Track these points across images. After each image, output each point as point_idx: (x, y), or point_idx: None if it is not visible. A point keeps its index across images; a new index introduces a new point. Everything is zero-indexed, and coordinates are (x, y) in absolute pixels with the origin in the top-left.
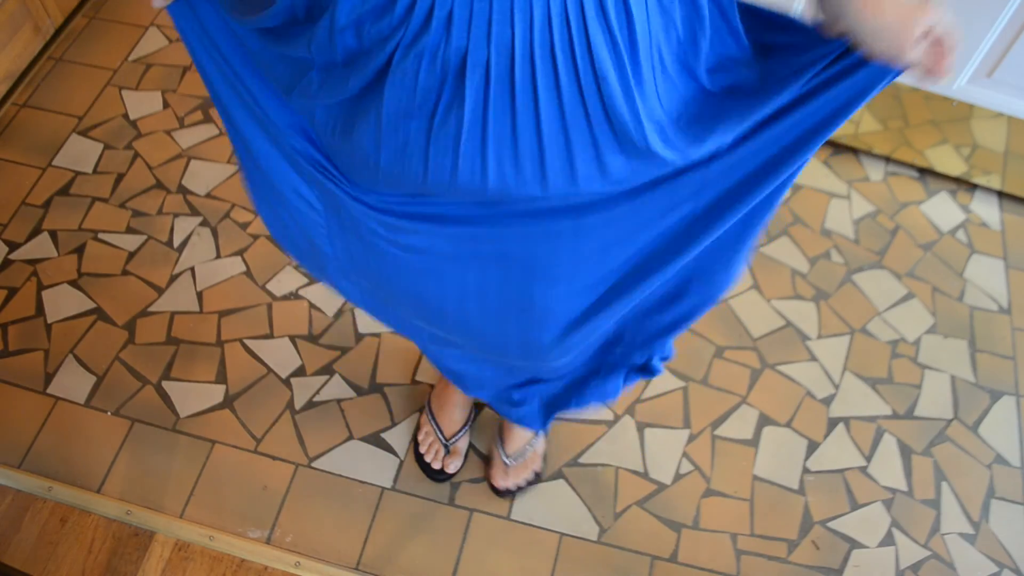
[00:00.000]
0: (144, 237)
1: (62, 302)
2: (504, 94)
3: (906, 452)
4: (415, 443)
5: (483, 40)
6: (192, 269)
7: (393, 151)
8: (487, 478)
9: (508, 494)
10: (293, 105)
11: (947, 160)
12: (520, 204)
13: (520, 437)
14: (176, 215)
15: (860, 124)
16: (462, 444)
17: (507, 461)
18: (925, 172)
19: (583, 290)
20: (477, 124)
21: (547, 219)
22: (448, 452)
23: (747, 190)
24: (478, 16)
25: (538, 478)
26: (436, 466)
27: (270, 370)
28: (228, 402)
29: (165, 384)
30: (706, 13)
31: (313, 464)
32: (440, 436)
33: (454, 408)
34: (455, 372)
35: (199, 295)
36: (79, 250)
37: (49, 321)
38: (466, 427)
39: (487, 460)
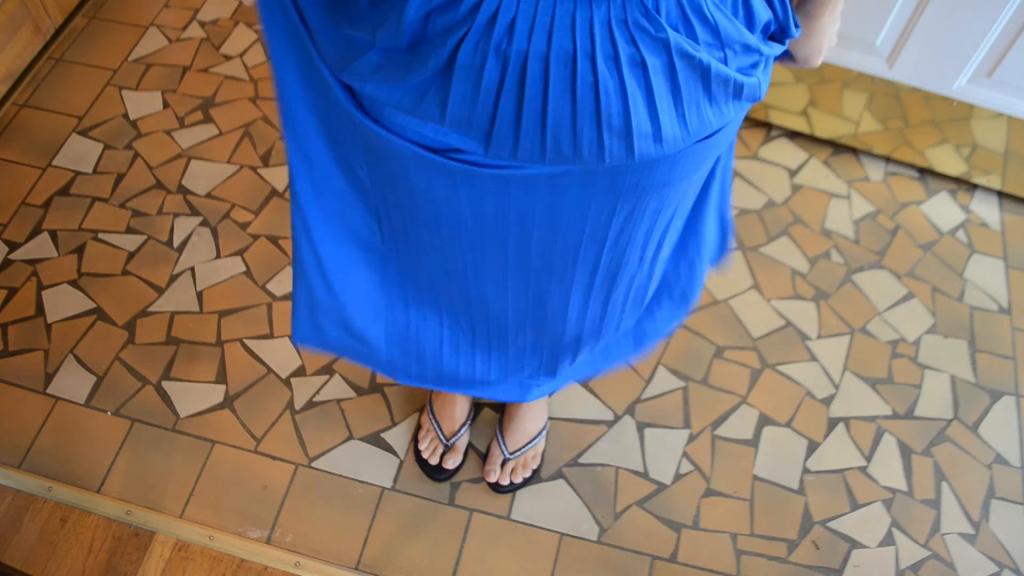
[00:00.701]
0: (144, 237)
1: (62, 302)
2: (566, 91)
3: (906, 452)
4: (415, 442)
5: (543, 44)
6: (192, 269)
7: (455, 127)
8: (484, 473)
9: (504, 490)
10: (344, 77)
11: (947, 160)
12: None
13: (521, 433)
14: (176, 215)
15: (860, 124)
16: (462, 443)
17: (507, 456)
18: (925, 172)
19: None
20: (537, 114)
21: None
22: (448, 451)
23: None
24: (540, 22)
25: (535, 475)
26: (434, 462)
27: (270, 370)
28: (228, 402)
29: (165, 384)
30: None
31: (313, 464)
32: (440, 435)
33: (454, 407)
34: (467, 379)
35: (199, 295)
36: (79, 250)
37: (49, 321)
38: (466, 426)
39: (487, 457)
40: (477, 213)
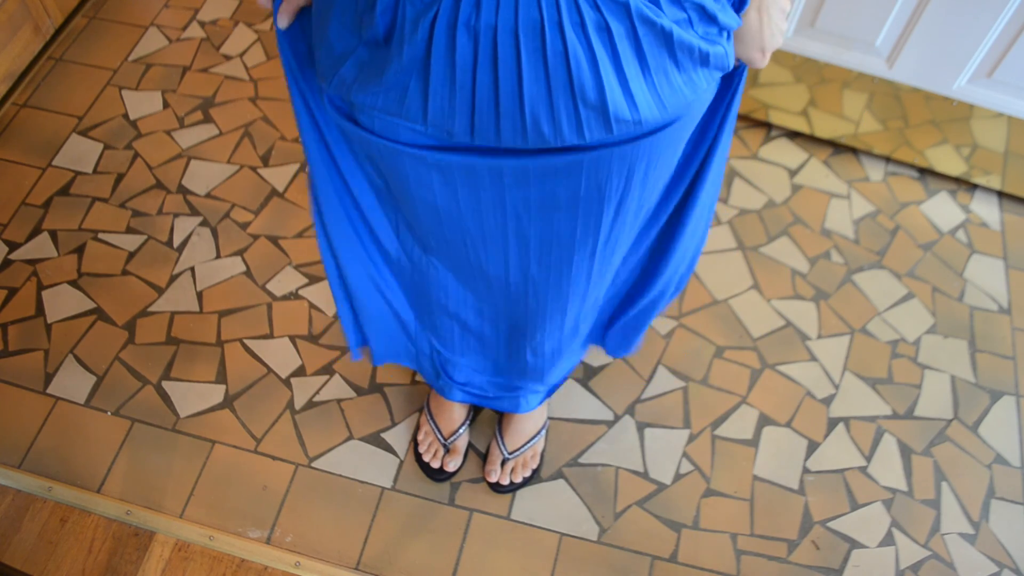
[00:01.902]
0: (144, 237)
1: (62, 302)
2: (538, 62)
3: (906, 452)
4: (415, 443)
5: (511, 15)
6: (192, 269)
7: (439, 116)
8: (484, 474)
9: (504, 490)
10: (331, 92)
11: (947, 160)
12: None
13: (520, 433)
14: (176, 215)
15: (860, 124)
16: (461, 443)
17: (506, 456)
18: (925, 172)
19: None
20: (513, 90)
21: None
22: (447, 451)
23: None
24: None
25: (535, 475)
26: (435, 465)
27: (270, 370)
28: (228, 402)
29: (165, 384)
30: None
31: (313, 464)
32: (439, 435)
33: (452, 407)
34: (462, 383)
35: (199, 295)
36: (79, 250)
37: (49, 321)
38: (465, 425)
39: (487, 457)
40: (475, 213)
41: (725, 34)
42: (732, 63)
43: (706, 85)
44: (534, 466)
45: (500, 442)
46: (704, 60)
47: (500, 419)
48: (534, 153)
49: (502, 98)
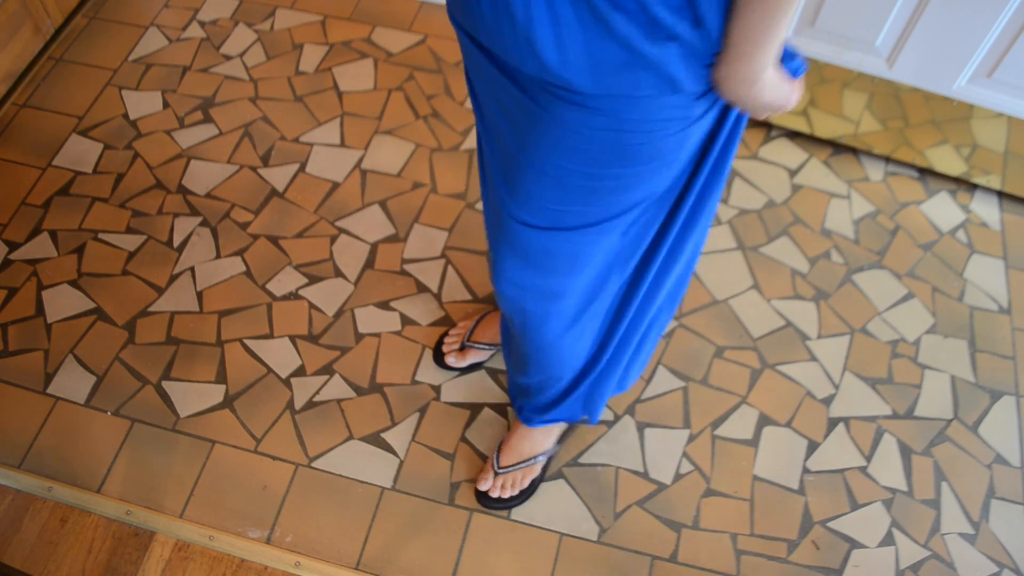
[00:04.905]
0: (144, 237)
1: (62, 302)
2: None
3: (906, 452)
4: (444, 335)
5: None
6: (192, 269)
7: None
8: (477, 479)
9: (488, 502)
10: None
11: (947, 160)
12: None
13: (515, 452)
14: (176, 215)
15: (860, 124)
16: (474, 355)
17: (496, 471)
18: (925, 172)
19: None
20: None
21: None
22: (462, 349)
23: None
24: None
25: (520, 499)
26: (446, 351)
27: (270, 370)
28: (228, 402)
29: (165, 384)
30: None
31: (313, 464)
32: (470, 333)
33: (495, 325)
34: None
35: (199, 295)
36: (79, 250)
37: (49, 321)
38: (491, 348)
39: (484, 466)
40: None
41: (677, 47)
42: (687, 87)
43: (652, 91)
44: (523, 487)
45: (496, 454)
46: (635, 52)
47: (506, 433)
48: (511, 78)
49: None
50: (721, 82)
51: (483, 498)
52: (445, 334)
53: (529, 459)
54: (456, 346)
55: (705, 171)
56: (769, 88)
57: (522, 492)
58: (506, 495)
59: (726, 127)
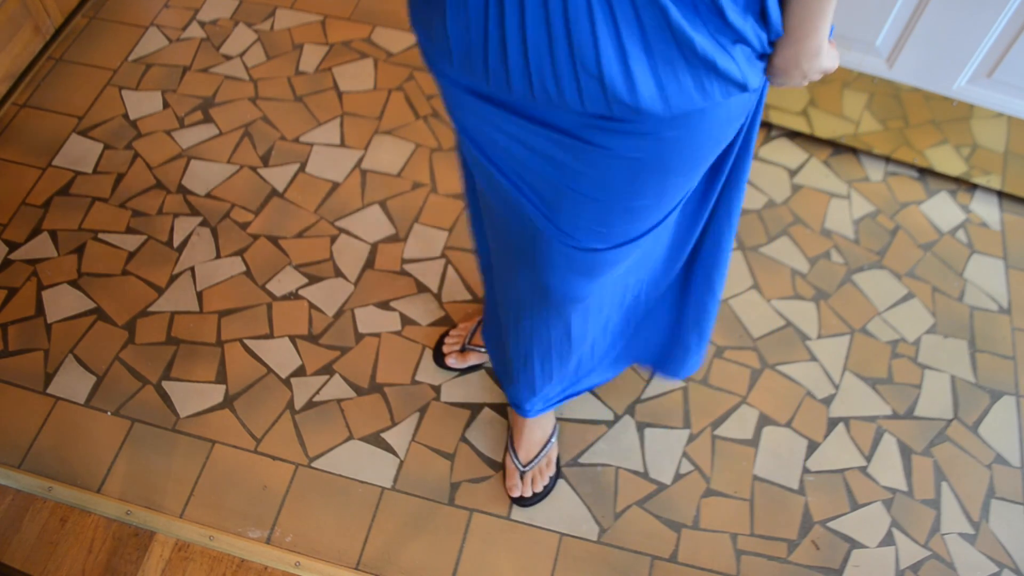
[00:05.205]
0: (144, 237)
1: (62, 302)
2: (540, 16)
3: (906, 452)
4: (445, 335)
5: None
6: (192, 269)
7: (462, 53)
8: (507, 490)
9: (528, 502)
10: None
11: (947, 160)
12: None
13: (531, 443)
14: (176, 215)
15: (860, 124)
16: (474, 357)
17: (522, 469)
18: (925, 172)
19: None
20: (518, 43)
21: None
22: (462, 351)
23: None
24: None
25: (554, 482)
26: (446, 351)
27: (270, 370)
28: (228, 402)
29: (165, 384)
30: None
31: (313, 464)
32: (470, 335)
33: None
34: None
35: (199, 295)
36: (79, 250)
37: (49, 321)
38: (487, 352)
39: (489, 461)
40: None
41: (741, 49)
42: (753, 84)
43: (721, 98)
44: (551, 473)
45: (514, 456)
46: (710, 66)
47: (511, 433)
48: (546, 125)
49: (509, 49)
50: (786, 63)
51: (520, 501)
52: (445, 334)
53: (546, 444)
54: (457, 347)
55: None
56: (826, 55)
57: (552, 478)
58: (539, 488)
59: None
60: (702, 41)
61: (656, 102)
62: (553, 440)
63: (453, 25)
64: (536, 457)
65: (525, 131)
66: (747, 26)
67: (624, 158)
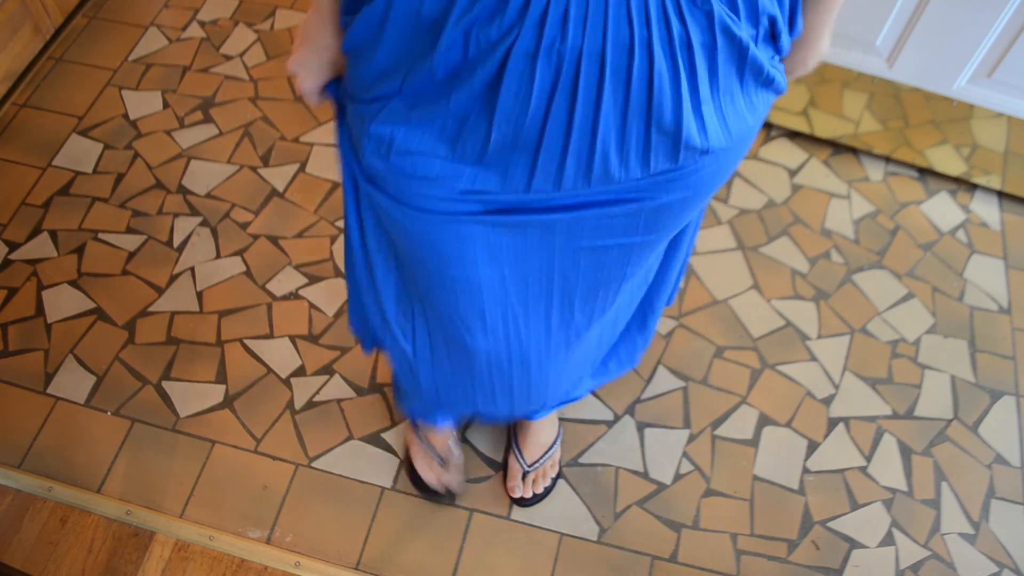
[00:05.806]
0: (144, 237)
1: (62, 302)
2: (620, 85)
3: (906, 452)
4: (409, 468)
5: (599, 37)
6: (192, 269)
7: (498, 154)
8: (508, 490)
9: (529, 503)
10: (379, 124)
11: (947, 160)
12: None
13: (538, 445)
14: (176, 215)
15: (860, 124)
16: (458, 452)
17: (526, 469)
18: (925, 172)
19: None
20: (589, 117)
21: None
22: (444, 465)
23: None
24: (594, 14)
25: (555, 484)
26: (434, 483)
27: (270, 370)
28: (228, 402)
29: (165, 384)
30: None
31: (313, 464)
32: (435, 456)
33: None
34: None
35: (199, 295)
36: (79, 250)
37: (49, 321)
38: (455, 435)
39: (489, 461)
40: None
41: (777, 59)
42: (786, 87)
43: (764, 109)
44: (553, 474)
45: (519, 456)
46: (768, 82)
47: (516, 433)
48: (589, 205)
49: (574, 129)
50: (795, 65)
51: (520, 502)
52: (412, 464)
53: (552, 445)
54: (436, 464)
55: None
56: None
57: (554, 479)
58: (540, 489)
59: None
60: (765, 63)
61: (721, 137)
62: (558, 442)
63: (503, 118)
64: (541, 458)
65: (556, 228)
66: (784, 35)
67: (676, 202)
